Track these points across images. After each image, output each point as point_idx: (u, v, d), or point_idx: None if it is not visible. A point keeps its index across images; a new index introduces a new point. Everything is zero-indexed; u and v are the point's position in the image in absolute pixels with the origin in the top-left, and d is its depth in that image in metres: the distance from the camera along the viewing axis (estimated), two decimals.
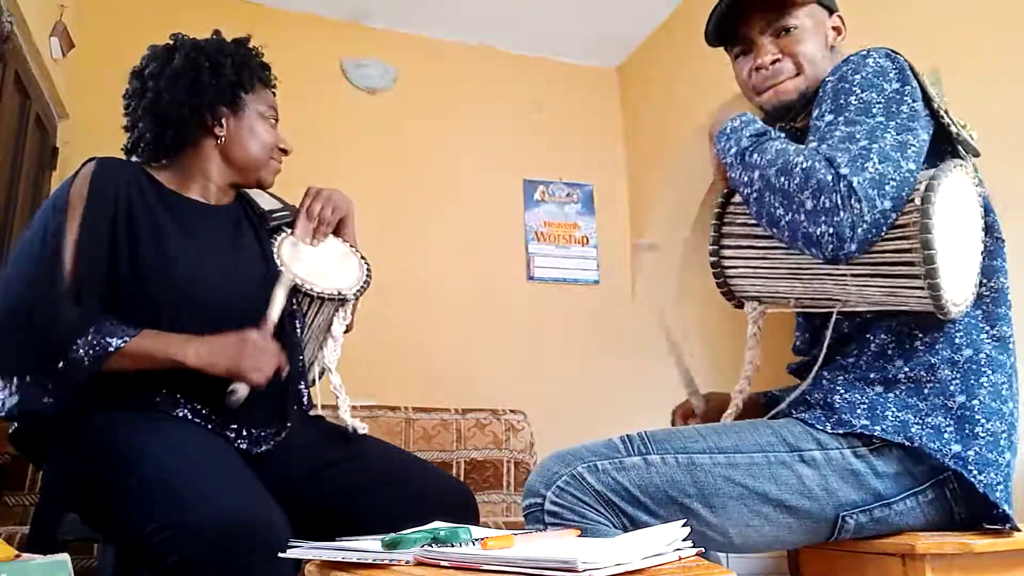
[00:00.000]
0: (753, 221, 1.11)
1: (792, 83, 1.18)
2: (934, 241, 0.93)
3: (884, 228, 0.96)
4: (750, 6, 1.20)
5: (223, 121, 1.36)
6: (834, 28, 1.23)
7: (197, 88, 1.33)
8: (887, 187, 0.95)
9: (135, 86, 1.37)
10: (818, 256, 1.00)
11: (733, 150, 1.10)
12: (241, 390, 1.17)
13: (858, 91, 1.03)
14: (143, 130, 1.36)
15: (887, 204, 0.95)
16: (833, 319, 1.11)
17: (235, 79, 1.35)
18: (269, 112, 1.41)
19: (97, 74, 1.69)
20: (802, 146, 1.03)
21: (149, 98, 1.34)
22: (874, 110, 1.01)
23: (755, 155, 1.06)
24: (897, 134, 0.99)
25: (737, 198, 1.14)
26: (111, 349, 1.13)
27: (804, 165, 0.99)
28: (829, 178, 0.96)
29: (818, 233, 0.97)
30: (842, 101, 1.04)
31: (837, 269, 1.02)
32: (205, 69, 1.33)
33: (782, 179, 1.00)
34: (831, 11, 1.24)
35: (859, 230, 0.95)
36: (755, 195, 1.05)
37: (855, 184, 0.94)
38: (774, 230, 1.04)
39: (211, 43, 1.38)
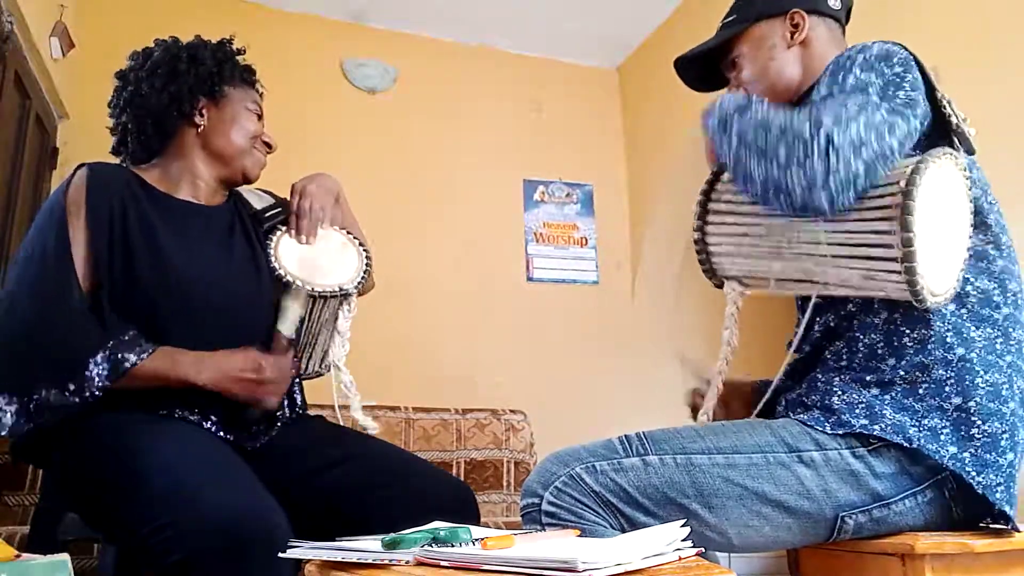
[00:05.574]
0: (738, 199, 1.12)
1: None
2: (914, 224, 0.92)
3: (853, 193, 0.94)
4: (701, 58, 1.31)
5: (203, 111, 1.37)
6: (792, 26, 1.23)
7: (175, 77, 1.34)
8: (864, 152, 0.93)
9: (118, 86, 1.38)
10: (786, 205, 0.97)
11: (716, 122, 1.07)
12: (256, 410, 1.23)
13: (857, 71, 1.03)
14: (125, 125, 1.36)
15: (860, 168, 0.93)
16: (812, 302, 1.12)
17: (215, 70, 1.36)
18: (253, 107, 1.42)
19: (97, 74, 1.69)
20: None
21: (130, 91, 1.35)
22: (870, 90, 1.00)
23: (736, 122, 1.04)
24: (888, 114, 0.97)
25: (725, 176, 1.15)
26: (122, 369, 1.13)
27: (783, 121, 0.97)
28: (808, 128, 0.94)
29: (789, 179, 0.95)
30: (840, 78, 1.04)
31: (817, 248, 1.02)
32: (184, 59, 1.35)
33: (760, 134, 0.99)
34: (781, 12, 1.24)
35: (830, 181, 0.92)
36: (733, 155, 1.03)
37: (835, 137, 0.92)
38: (747, 187, 1.02)
39: (193, 41, 1.40)
